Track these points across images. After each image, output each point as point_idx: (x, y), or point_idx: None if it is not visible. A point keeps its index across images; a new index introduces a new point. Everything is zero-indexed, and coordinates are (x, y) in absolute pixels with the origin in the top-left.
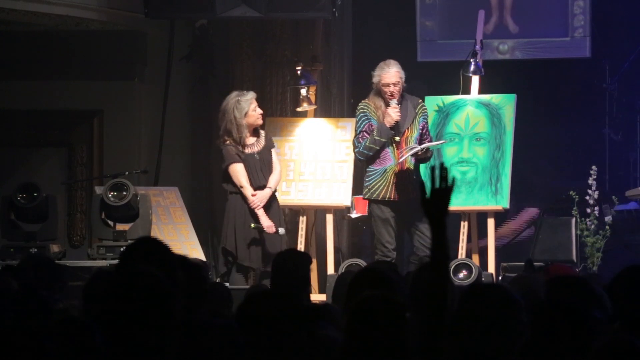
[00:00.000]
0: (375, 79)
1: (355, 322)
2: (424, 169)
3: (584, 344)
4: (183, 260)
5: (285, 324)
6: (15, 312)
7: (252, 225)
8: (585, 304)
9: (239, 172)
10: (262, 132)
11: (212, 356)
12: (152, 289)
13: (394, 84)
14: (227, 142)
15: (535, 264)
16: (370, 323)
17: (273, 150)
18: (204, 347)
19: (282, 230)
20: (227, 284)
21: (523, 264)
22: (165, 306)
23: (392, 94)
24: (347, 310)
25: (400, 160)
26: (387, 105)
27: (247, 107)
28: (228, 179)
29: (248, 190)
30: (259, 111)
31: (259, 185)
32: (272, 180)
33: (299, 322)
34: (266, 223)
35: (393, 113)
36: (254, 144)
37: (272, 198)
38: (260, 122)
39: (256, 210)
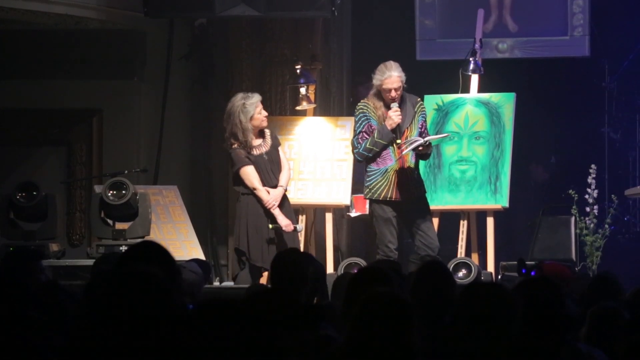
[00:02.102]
0: (376, 82)
1: (364, 319)
2: (423, 166)
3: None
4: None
5: (285, 323)
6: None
7: (271, 225)
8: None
9: (250, 174)
10: (267, 132)
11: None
12: (151, 288)
13: (396, 89)
14: (235, 145)
15: (528, 262)
16: (379, 320)
17: (280, 149)
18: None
19: (299, 227)
20: (216, 283)
21: (531, 263)
22: (164, 305)
23: (393, 99)
24: (356, 306)
25: (403, 154)
26: (387, 105)
27: (252, 110)
28: (239, 181)
29: (262, 191)
30: (264, 113)
31: (271, 185)
32: (283, 179)
33: (299, 321)
34: (284, 222)
35: (395, 116)
36: (260, 145)
37: (283, 196)
38: (265, 124)
39: (272, 210)
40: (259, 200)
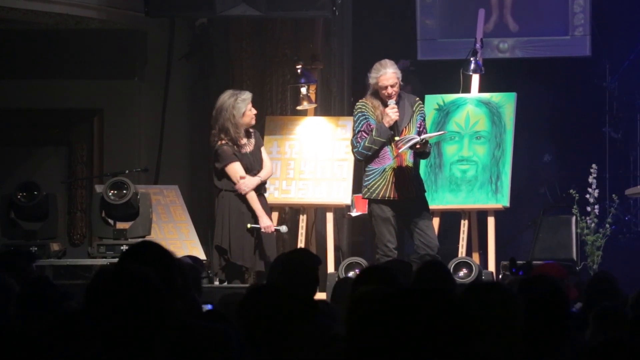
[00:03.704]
0: (372, 81)
1: (354, 318)
2: (424, 166)
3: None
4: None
5: (286, 319)
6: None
7: (249, 225)
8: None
9: (238, 171)
10: (252, 131)
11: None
12: (141, 288)
13: (392, 86)
14: (223, 141)
15: (519, 262)
16: (368, 319)
17: (262, 149)
18: (196, 351)
19: (284, 228)
20: (217, 282)
21: (523, 262)
22: (155, 306)
23: (390, 95)
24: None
25: (400, 152)
26: (385, 104)
27: (244, 107)
28: (222, 177)
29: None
30: (254, 111)
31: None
32: (263, 172)
33: (300, 317)
34: (266, 223)
35: (392, 113)
36: (246, 144)
37: (261, 197)
38: (253, 122)
39: (247, 195)
40: (242, 198)
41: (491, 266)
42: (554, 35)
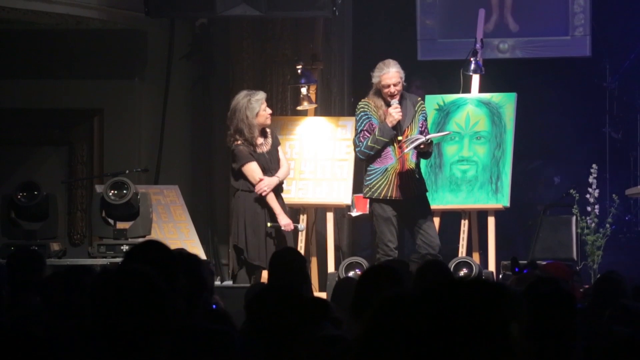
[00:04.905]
0: (375, 80)
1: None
2: (424, 166)
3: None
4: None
5: (295, 320)
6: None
7: (269, 224)
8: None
9: (254, 170)
10: (269, 131)
11: None
12: (142, 287)
13: (395, 85)
14: (239, 142)
15: (521, 262)
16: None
17: (279, 148)
18: (199, 352)
19: (301, 226)
20: (230, 282)
21: (524, 262)
22: (158, 306)
23: (392, 95)
24: (372, 307)
25: (404, 152)
26: (387, 104)
27: (258, 107)
28: (239, 177)
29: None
30: (269, 111)
31: None
32: (280, 172)
33: (307, 319)
34: (284, 221)
35: (395, 113)
36: (263, 144)
37: (279, 196)
38: (269, 122)
39: (265, 195)
40: (258, 198)
41: (491, 266)
42: (554, 36)
